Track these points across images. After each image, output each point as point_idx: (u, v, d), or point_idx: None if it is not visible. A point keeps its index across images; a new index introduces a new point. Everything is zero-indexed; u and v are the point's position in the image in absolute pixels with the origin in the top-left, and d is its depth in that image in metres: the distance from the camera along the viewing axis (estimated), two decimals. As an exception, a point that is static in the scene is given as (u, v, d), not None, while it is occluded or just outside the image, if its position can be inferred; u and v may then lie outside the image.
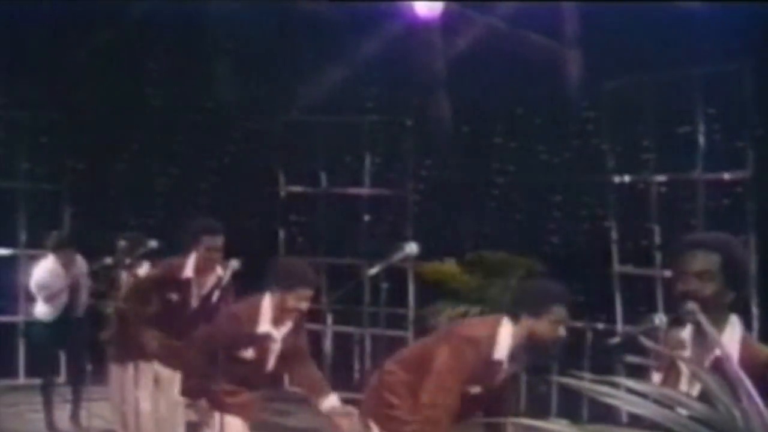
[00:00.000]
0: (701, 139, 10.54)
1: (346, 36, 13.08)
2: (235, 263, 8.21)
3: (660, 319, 4.56)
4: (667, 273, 10.10)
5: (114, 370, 9.71)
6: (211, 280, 8.75)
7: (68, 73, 13.81)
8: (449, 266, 11.81)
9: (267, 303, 7.33)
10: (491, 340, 6.23)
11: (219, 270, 8.65)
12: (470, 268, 11.75)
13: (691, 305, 4.38)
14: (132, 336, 9.05)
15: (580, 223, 12.67)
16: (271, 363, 7.48)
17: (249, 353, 7.36)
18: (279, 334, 7.39)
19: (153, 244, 9.41)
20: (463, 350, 6.23)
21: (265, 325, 7.33)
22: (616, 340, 4.71)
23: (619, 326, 11.17)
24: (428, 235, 11.40)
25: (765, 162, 10.23)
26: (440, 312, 11.50)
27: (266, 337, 7.37)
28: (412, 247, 7.30)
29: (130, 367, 9.32)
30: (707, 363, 4.34)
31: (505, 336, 6.23)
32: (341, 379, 12.62)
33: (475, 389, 6.29)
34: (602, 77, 11.28)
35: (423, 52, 13.09)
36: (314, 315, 12.26)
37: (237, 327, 7.31)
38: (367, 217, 13.14)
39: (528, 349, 6.21)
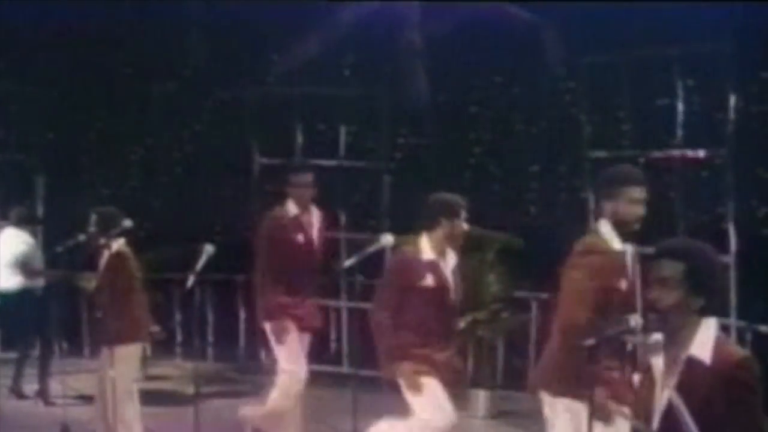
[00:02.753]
0: (678, 116, 10.50)
1: (323, 6, 12.95)
2: (209, 248, 8.15)
3: (636, 321, 4.53)
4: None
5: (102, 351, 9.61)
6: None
7: (39, 42, 13.63)
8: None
9: (425, 239, 7.64)
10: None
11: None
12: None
13: (652, 315, 4.43)
14: (115, 317, 9.02)
15: (558, 194, 12.65)
16: (451, 295, 7.60)
17: (429, 283, 7.53)
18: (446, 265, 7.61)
19: (128, 223, 9.29)
20: None
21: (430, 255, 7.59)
22: (591, 341, 4.67)
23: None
24: (404, 208, 11.32)
25: (742, 139, 10.22)
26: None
27: (436, 266, 7.57)
28: (387, 239, 7.30)
29: (108, 347, 9.20)
30: (679, 365, 4.40)
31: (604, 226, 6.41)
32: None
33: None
34: (579, 53, 11.20)
35: (399, 22, 12.97)
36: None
37: (408, 267, 7.57)
38: (342, 189, 13.07)
39: None
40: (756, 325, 9.97)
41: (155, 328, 9.76)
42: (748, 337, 9.91)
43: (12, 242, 11.63)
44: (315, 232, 9.41)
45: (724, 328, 9.69)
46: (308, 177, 9.28)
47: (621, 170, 6.62)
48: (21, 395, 11.58)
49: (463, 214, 7.60)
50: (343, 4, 12.94)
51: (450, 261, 7.68)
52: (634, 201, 6.34)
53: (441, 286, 7.58)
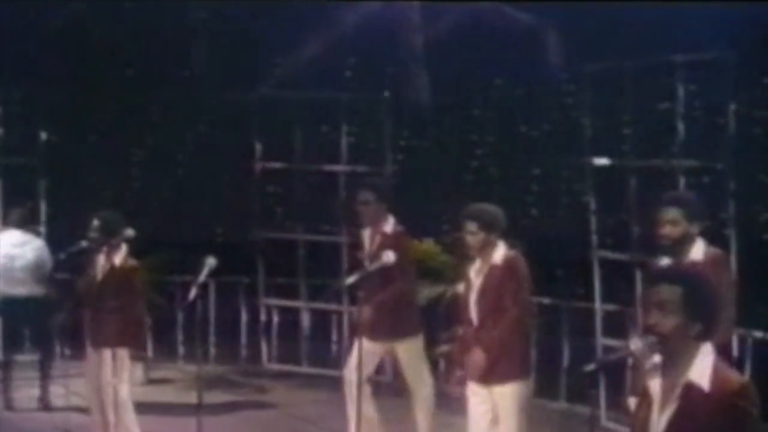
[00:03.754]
0: (680, 121, 10.48)
1: (325, 9, 12.95)
2: (211, 261, 8.17)
3: (636, 344, 4.54)
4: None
5: (90, 355, 9.62)
6: None
7: (40, 43, 13.62)
8: (428, 246, 11.77)
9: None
10: None
11: None
12: (449, 248, 11.71)
13: (651, 339, 4.43)
14: (108, 322, 9.03)
15: (559, 197, 12.65)
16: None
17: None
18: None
19: (130, 232, 9.32)
20: None
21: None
22: (591, 366, 4.69)
23: (597, 304, 11.13)
24: (406, 213, 11.30)
25: (743, 149, 10.21)
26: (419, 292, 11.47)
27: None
28: (389, 256, 7.35)
29: (107, 354, 9.21)
30: (677, 390, 4.41)
31: None
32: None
33: None
34: (583, 60, 11.19)
35: (401, 25, 12.97)
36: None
37: None
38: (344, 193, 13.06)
39: None
40: (757, 332, 9.96)
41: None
42: (749, 343, 9.89)
43: (26, 248, 11.39)
44: None
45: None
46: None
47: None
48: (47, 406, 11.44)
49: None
50: (344, 6, 12.93)
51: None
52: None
53: None
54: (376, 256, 8.88)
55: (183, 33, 13.88)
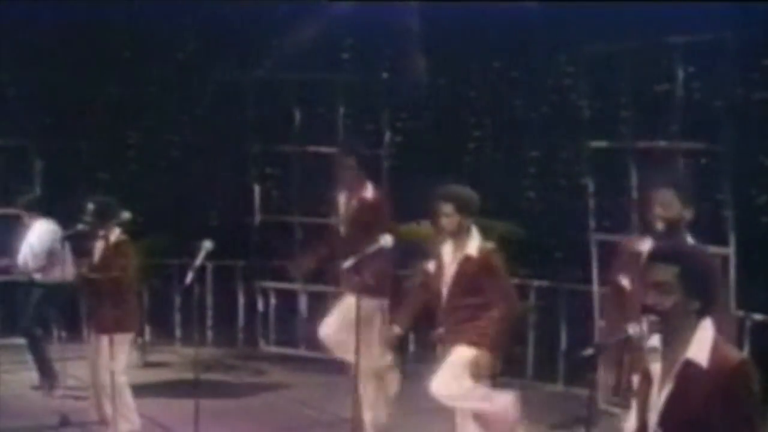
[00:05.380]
0: (679, 103, 10.47)
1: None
2: (208, 244, 8.17)
3: (633, 329, 4.56)
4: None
5: (91, 340, 9.61)
6: None
7: (35, 27, 13.54)
8: (426, 228, 11.70)
9: None
10: None
11: None
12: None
13: (652, 318, 4.45)
14: (106, 305, 9.02)
15: (557, 180, 12.61)
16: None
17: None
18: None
19: (126, 215, 9.34)
20: None
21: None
22: (589, 351, 4.69)
23: (595, 287, 11.12)
24: (404, 195, 11.27)
25: (742, 127, 10.18)
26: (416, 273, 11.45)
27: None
28: (387, 240, 7.31)
29: (104, 339, 9.20)
30: (676, 368, 4.44)
31: None
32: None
33: None
34: (580, 40, 11.16)
35: (399, 8, 12.91)
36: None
37: None
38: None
39: None
40: (756, 315, 9.95)
41: None
42: (748, 325, 9.88)
43: (49, 237, 11.33)
44: None
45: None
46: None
47: None
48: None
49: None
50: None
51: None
52: None
53: None
54: (351, 219, 8.99)
55: (179, 14, 13.78)
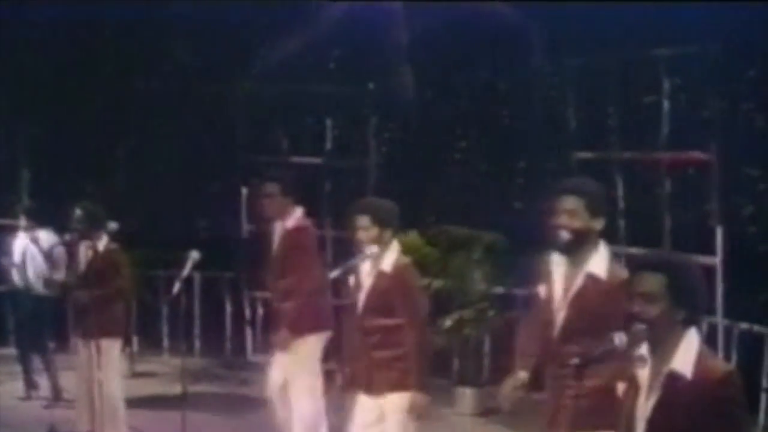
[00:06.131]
0: (665, 115, 10.53)
1: (309, 4, 12.93)
2: (195, 254, 8.17)
3: (620, 338, 4.55)
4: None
5: (80, 347, 9.59)
6: None
7: (22, 38, 13.56)
8: (412, 238, 11.74)
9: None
10: None
11: None
12: (432, 240, 11.71)
13: (639, 327, 4.45)
14: (97, 312, 9.02)
15: (544, 190, 12.63)
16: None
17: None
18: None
19: (113, 225, 9.33)
20: None
21: None
22: (575, 360, 4.70)
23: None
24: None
25: (729, 138, 10.24)
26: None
27: None
28: (373, 250, 7.25)
29: (92, 346, 9.18)
30: (661, 378, 4.44)
31: None
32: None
33: None
34: (567, 52, 11.22)
35: (385, 20, 12.95)
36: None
37: None
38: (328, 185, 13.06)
39: None
40: (742, 324, 9.99)
41: None
42: (735, 334, 9.93)
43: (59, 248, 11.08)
44: None
45: (711, 327, 9.78)
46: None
47: None
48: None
49: None
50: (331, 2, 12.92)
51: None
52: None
53: None
54: (279, 250, 8.88)
55: (166, 27, 13.81)
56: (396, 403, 7.23)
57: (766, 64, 10.54)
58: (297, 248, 8.87)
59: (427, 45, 12.99)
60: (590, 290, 5.94)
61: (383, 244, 7.25)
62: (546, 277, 6.13)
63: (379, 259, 7.27)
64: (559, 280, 6.07)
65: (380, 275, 7.26)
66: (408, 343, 7.17)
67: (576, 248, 5.92)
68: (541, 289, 6.18)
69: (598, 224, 5.95)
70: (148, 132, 14.34)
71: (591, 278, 5.94)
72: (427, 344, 7.31)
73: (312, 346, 8.85)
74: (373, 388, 7.27)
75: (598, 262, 5.96)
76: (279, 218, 8.91)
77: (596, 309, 5.85)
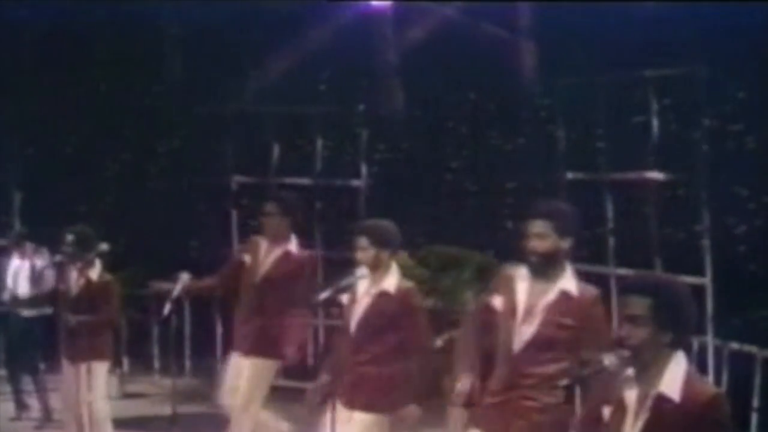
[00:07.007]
0: (654, 135, 10.57)
1: (299, 25, 12.97)
2: (185, 276, 8.19)
3: (609, 360, 4.56)
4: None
5: (66, 369, 9.58)
6: None
7: (15, 56, 13.57)
8: (402, 258, 11.74)
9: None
10: None
11: None
12: (423, 260, 11.72)
13: (623, 352, 4.45)
14: (83, 336, 9.01)
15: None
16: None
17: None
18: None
19: (104, 246, 9.32)
20: None
21: None
22: (564, 381, 4.72)
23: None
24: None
25: (718, 157, 10.29)
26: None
27: None
28: (362, 272, 7.27)
29: (82, 368, 9.17)
30: (649, 400, 4.44)
31: None
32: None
33: None
34: (556, 75, 11.27)
35: (375, 41, 13.00)
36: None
37: None
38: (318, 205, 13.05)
39: None
40: (732, 343, 10.01)
41: None
42: (725, 354, 9.95)
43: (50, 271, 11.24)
44: None
45: (702, 347, 9.80)
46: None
47: None
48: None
49: None
50: (318, 20, 12.95)
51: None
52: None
53: None
54: (267, 273, 8.86)
55: (157, 46, 13.84)
56: (367, 420, 7.26)
57: (755, 85, 10.61)
58: (296, 277, 8.87)
59: (416, 66, 13.02)
60: (563, 305, 6.16)
61: (381, 265, 7.28)
62: (505, 290, 6.31)
63: (379, 280, 7.29)
64: (522, 294, 6.25)
65: (382, 295, 7.28)
66: (399, 362, 7.24)
67: (546, 268, 6.16)
68: (497, 302, 6.36)
69: (567, 243, 6.18)
70: (139, 152, 14.35)
71: (564, 294, 6.17)
72: (429, 364, 7.41)
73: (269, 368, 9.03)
74: (356, 403, 7.28)
75: (569, 278, 6.20)
76: (273, 240, 8.88)
77: (568, 324, 6.13)
